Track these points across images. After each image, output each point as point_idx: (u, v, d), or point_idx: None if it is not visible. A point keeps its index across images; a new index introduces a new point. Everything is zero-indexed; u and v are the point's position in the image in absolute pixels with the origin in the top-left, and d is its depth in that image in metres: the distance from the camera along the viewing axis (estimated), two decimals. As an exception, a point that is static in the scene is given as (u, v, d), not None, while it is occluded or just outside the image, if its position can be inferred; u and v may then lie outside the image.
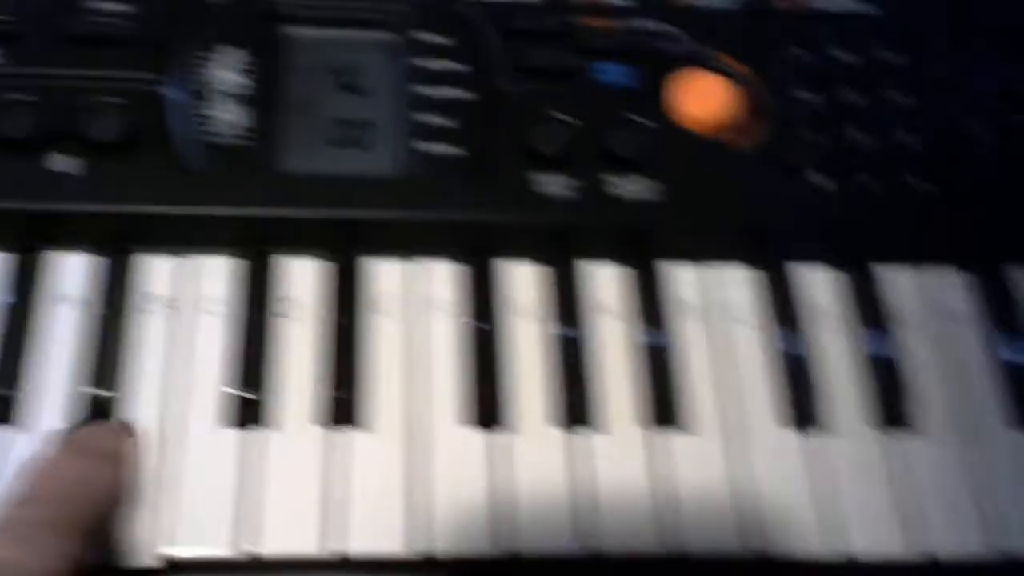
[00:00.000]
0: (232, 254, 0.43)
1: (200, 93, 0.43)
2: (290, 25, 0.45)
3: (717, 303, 0.44)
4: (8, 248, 0.42)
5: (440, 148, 0.43)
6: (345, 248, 0.43)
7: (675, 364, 0.42)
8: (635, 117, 0.44)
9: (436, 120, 0.44)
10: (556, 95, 0.45)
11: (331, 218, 0.42)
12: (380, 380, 0.40)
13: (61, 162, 0.41)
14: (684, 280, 0.44)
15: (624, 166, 0.43)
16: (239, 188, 0.41)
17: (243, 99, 0.43)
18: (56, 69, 0.42)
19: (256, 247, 0.43)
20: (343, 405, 0.40)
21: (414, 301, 0.43)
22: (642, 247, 0.44)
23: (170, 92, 0.43)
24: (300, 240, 0.43)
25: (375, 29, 0.46)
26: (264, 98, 0.43)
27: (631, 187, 0.43)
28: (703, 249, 0.45)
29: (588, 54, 0.46)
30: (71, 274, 0.42)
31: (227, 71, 0.43)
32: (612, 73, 0.45)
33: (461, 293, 0.43)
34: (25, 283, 0.41)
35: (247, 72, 0.44)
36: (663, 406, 0.41)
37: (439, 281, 0.43)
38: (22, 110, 0.41)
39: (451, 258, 0.44)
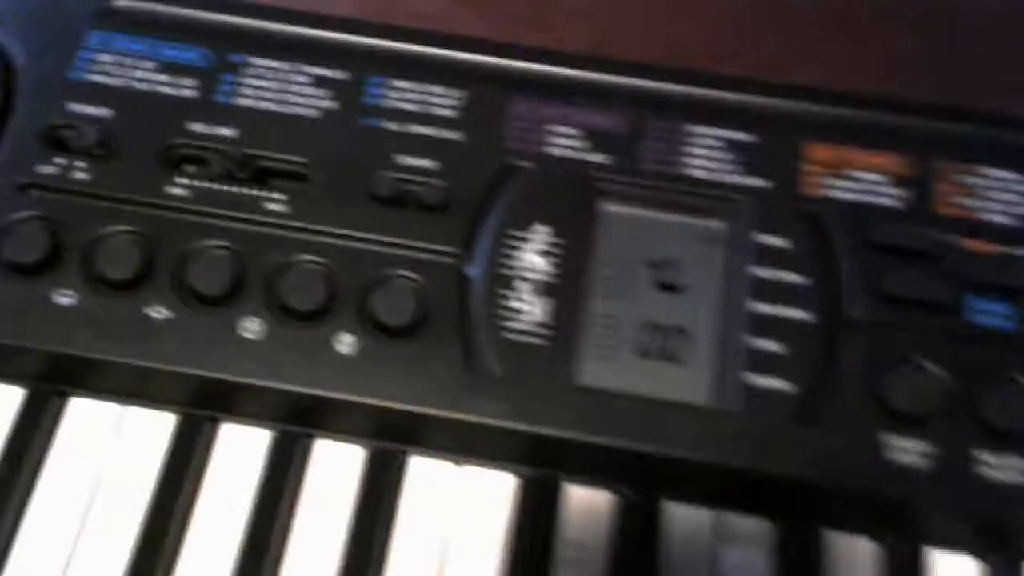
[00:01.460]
0: (514, 471, 0.38)
1: (504, 278, 0.38)
2: (609, 202, 0.40)
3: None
4: (270, 426, 0.38)
5: (767, 380, 0.37)
6: (643, 486, 0.37)
7: None
8: (1019, 376, 0.36)
9: (766, 343, 0.37)
10: (919, 333, 0.37)
11: (626, 448, 0.36)
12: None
13: (341, 340, 0.37)
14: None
15: (1000, 440, 0.35)
16: (526, 398, 0.36)
17: (545, 288, 0.38)
18: (347, 229, 0.39)
19: (540, 469, 0.38)
20: None
21: (714, 561, 0.36)
22: (1006, 542, 0.36)
23: (473, 272, 0.38)
24: (589, 469, 0.37)
25: (707, 217, 0.40)
26: (568, 289, 0.38)
27: (1006, 468, 0.35)
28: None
29: (963, 285, 0.38)
30: (334, 466, 0.38)
31: (534, 253, 0.39)
32: (992, 314, 0.38)
33: (774, 561, 0.36)
34: (285, 465, 0.38)
35: (552, 255, 0.39)
36: None
37: (743, 542, 0.37)
38: (308, 274, 0.38)
39: (766, 517, 0.37)
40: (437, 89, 0.42)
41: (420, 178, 0.40)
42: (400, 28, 0.43)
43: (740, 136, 0.41)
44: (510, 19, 0.54)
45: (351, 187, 0.39)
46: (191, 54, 0.42)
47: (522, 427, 0.36)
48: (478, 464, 0.38)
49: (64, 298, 0.37)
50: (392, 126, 0.41)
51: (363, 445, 0.38)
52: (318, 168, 0.40)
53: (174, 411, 0.38)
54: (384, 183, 0.40)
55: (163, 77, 0.41)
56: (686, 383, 0.37)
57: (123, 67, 0.41)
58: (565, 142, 0.41)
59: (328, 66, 0.42)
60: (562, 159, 0.40)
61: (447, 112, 0.41)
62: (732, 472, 0.36)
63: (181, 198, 0.39)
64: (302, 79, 0.41)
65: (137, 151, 0.40)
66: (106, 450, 0.37)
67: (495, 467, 0.38)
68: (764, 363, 0.37)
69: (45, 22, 0.42)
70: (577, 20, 0.53)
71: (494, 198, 0.40)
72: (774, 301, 0.38)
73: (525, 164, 0.40)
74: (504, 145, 0.41)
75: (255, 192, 0.39)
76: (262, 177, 0.40)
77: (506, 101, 0.41)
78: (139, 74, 0.41)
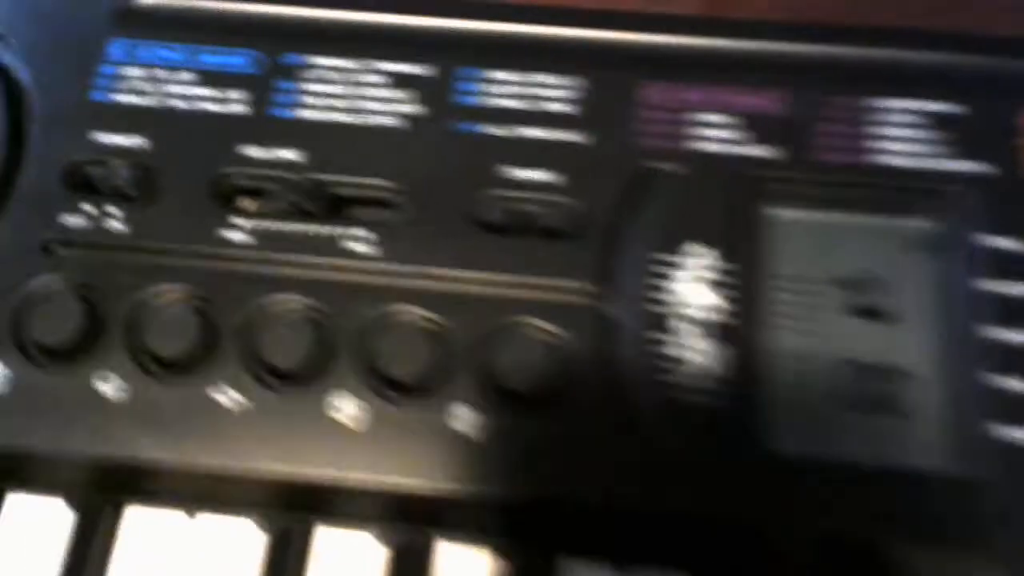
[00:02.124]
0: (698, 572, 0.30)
1: (657, 317, 0.30)
2: (780, 207, 0.31)
3: None
4: (376, 528, 0.30)
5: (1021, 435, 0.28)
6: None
7: None
8: None
9: (1016, 383, 0.29)
10: None
11: (845, 536, 0.28)
12: None
13: (458, 416, 0.29)
14: None
15: None
16: (711, 478, 0.28)
17: (710, 327, 0.30)
18: (449, 268, 0.31)
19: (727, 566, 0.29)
20: None
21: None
22: None
23: (616, 313, 0.30)
24: (800, 564, 0.29)
25: (909, 217, 0.31)
26: (739, 325, 0.30)
27: None
28: None
29: None
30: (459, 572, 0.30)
31: (691, 281, 0.30)
32: None
33: None
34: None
35: (714, 282, 0.30)
36: None
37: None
38: (408, 332, 0.30)
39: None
40: (545, 78, 0.33)
41: (536, 195, 0.31)
42: (490, 4, 0.34)
43: (944, 107, 0.32)
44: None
45: (450, 213, 0.31)
46: (237, 58, 0.34)
47: (716, 512, 0.28)
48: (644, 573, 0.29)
49: (107, 385, 0.30)
50: (493, 130, 0.32)
51: (498, 552, 0.30)
52: (406, 192, 0.32)
53: (257, 516, 0.30)
54: (491, 205, 0.31)
55: (205, 90, 0.33)
56: (912, 442, 0.29)
57: (155, 81, 0.33)
58: (715, 133, 0.32)
59: (406, 59, 0.33)
60: (713, 156, 0.32)
61: (561, 107, 0.33)
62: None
63: (241, 244, 0.31)
64: (375, 79, 0.33)
65: (182, 188, 0.32)
66: (177, 568, 0.30)
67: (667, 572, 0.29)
68: (1014, 411, 0.28)
69: (57, 34, 0.34)
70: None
71: (632, 214, 0.31)
72: (1016, 322, 0.29)
73: (666, 166, 0.32)
74: (638, 144, 0.32)
75: (332, 229, 0.31)
76: (338, 209, 0.32)
77: (634, 87, 0.33)
78: (176, 89, 0.33)
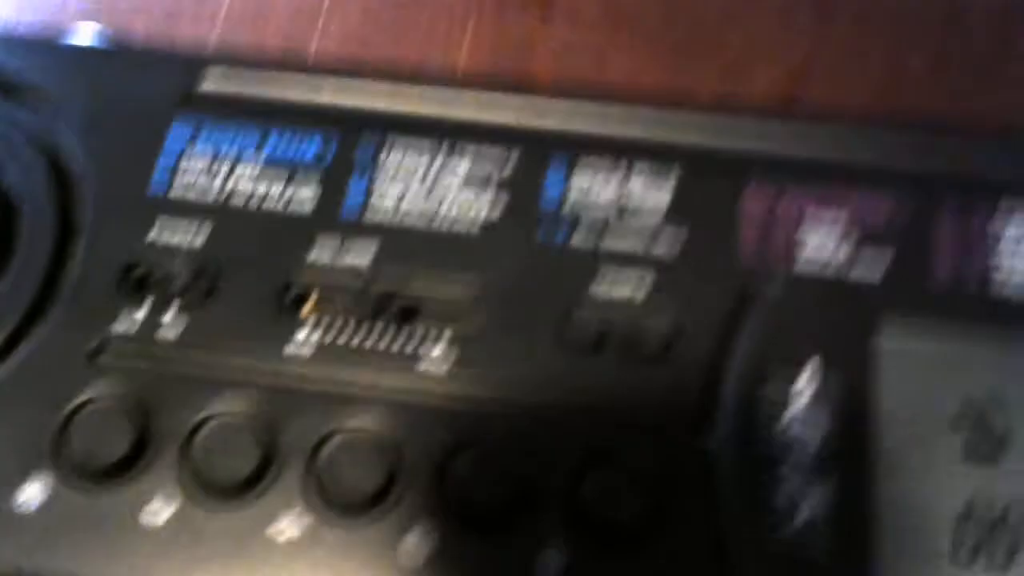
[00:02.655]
0: None
1: (762, 459, 0.27)
2: (897, 334, 0.29)
3: None
4: None
5: None
6: None
7: None
8: None
9: None
10: None
11: None
12: None
13: (549, 561, 0.26)
14: None
15: None
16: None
17: (820, 467, 0.27)
18: (530, 395, 0.28)
19: None
20: None
21: None
22: None
23: (716, 449, 0.27)
24: None
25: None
26: (850, 470, 0.27)
27: None
28: None
29: None
30: None
31: (802, 417, 0.28)
32: None
33: None
34: None
35: (825, 420, 0.28)
36: None
37: None
38: (486, 465, 0.27)
39: None
40: (642, 184, 0.31)
41: (628, 314, 0.29)
42: (589, 96, 0.32)
43: (1081, 230, 0.29)
44: (677, 53, 0.43)
45: (534, 332, 0.29)
46: (307, 150, 0.31)
47: None
48: None
49: (156, 517, 0.27)
50: (583, 240, 0.30)
51: None
52: (486, 306, 0.29)
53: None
54: (579, 324, 0.29)
55: (272, 185, 0.31)
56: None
57: (219, 174, 0.31)
58: (825, 248, 0.30)
59: (491, 157, 0.31)
60: (824, 272, 0.29)
61: (658, 217, 0.30)
62: None
63: (305, 358, 0.29)
64: (456, 178, 0.31)
65: (244, 294, 0.29)
66: None
67: None
68: None
69: (117, 111, 0.32)
70: (760, 59, 0.42)
71: (736, 337, 0.29)
72: None
73: (773, 284, 0.29)
74: (740, 258, 0.30)
75: (403, 346, 0.29)
76: (411, 321, 0.29)
77: (737, 195, 0.30)
78: (240, 182, 0.31)
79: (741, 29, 0.44)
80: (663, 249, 0.30)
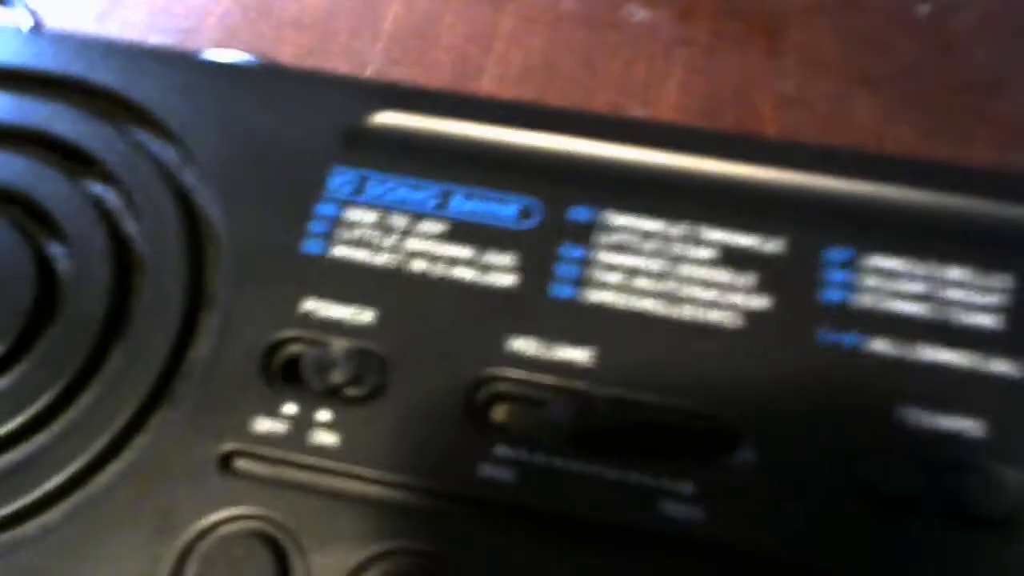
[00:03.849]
0: None
1: None
2: None
3: None
4: None
5: None
6: None
7: None
8: None
9: None
10: None
11: None
12: None
13: None
14: None
15: None
16: None
17: None
18: (818, 557, 0.20)
19: None
20: None
21: None
22: None
23: None
24: None
25: None
26: None
27: None
28: None
29: None
30: None
31: None
32: None
33: None
34: None
35: None
36: None
37: None
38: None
39: None
40: (961, 273, 0.23)
41: (951, 454, 0.21)
42: (887, 158, 0.24)
43: None
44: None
45: (817, 471, 0.21)
46: (506, 207, 0.24)
47: None
48: None
49: None
50: (881, 346, 0.22)
51: None
52: (750, 430, 0.21)
53: None
54: (883, 466, 0.21)
55: (459, 249, 0.24)
56: None
57: (392, 231, 0.24)
58: None
59: (749, 227, 0.24)
60: None
61: (982, 317, 0.22)
62: None
63: (508, 485, 0.21)
64: (702, 252, 0.24)
65: (423, 390, 0.22)
66: None
67: None
68: None
69: (262, 152, 0.26)
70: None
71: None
72: None
73: None
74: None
75: (633, 475, 0.21)
76: (646, 444, 0.22)
77: (1101, 297, 0.22)
78: (419, 244, 0.24)
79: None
80: (995, 364, 0.22)
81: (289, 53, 0.40)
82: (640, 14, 0.40)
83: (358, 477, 0.22)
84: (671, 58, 0.38)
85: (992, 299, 0.22)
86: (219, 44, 0.41)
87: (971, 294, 0.22)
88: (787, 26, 0.38)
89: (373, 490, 0.22)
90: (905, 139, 0.35)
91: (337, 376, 0.22)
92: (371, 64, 0.40)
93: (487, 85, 0.39)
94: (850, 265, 0.23)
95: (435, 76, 0.39)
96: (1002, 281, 0.22)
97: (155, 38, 0.40)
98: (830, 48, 0.38)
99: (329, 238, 0.24)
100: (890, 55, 0.37)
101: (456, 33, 0.40)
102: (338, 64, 0.40)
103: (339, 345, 0.23)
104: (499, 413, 0.23)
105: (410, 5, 0.41)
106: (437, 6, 0.40)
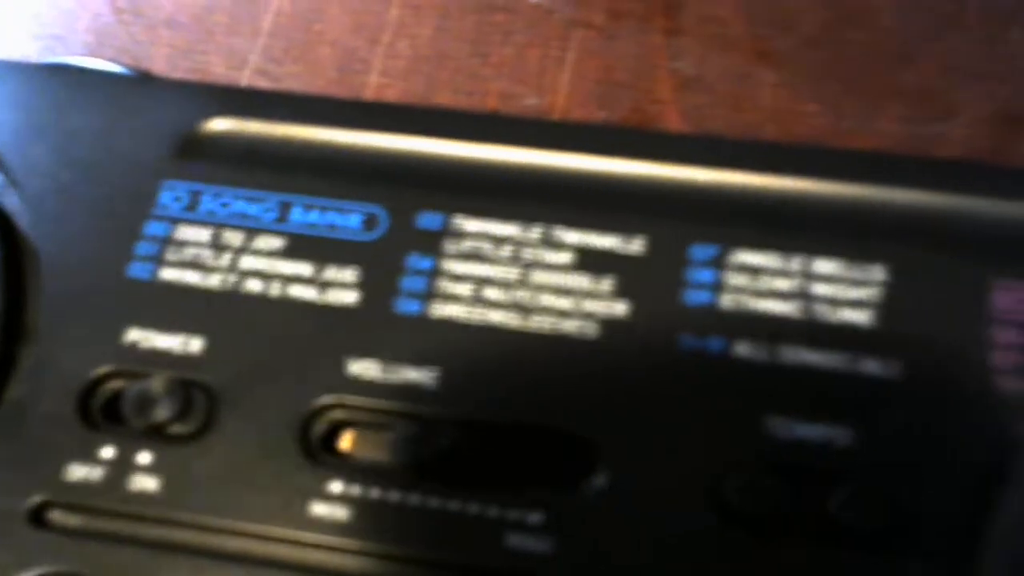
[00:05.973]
0: None
1: None
2: None
3: None
4: None
5: None
6: None
7: None
8: None
9: None
10: None
11: None
12: None
13: None
14: None
15: None
16: None
17: None
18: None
19: None
20: None
21: None
22: None
23: None
24: None
25: None
26: None
27: None
28: None
29: None
30: None
31: None
32: None
33: None
34: None
35: None
36: None
37: None
38: None
39: None
40: (829, 266, 0.21)
41: (822, 465, 0.20)
42: (749, 143, 0.23)
43: None
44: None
45: (681, 489, 0.20)
46: (348, 217, 0.23)
47: None
48: None
49: None
50: (747, 351, 0.21)
51: None
52: (611, 451, 0.20)
53: None
54: (746, 483, 0.20)
55: (298, 266, 0.22)
56: None
57: (225, 249, 0.23)
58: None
59: (606, 226, 0.22)
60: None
61: (857, 314, 0.21)
62: None
63: (342, 524, 0.20)
64: (555, 256, 0.22)
65: (255, 425, 0.21)
66: None
67: None
68: None
69: (85, 166, 0.24)
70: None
71: (991, 511, 0.19)
72: None
73: (1042, 423, 0.19)
74: (989, 382, 0.20)
75: (483, 508, 0.20)
76: (494, 474, 0.21)
77: (983, 288, 0.21)
78: (254, 262, 0.23)
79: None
80: (870, 365, 0.20)
81: (163, 55, 0.39)
82: (534, -4, 0.38)
83: (179, 524, 0.20)
84: (567, 42, 0.37)
85: (863, 293, 0.21)
86: (91, 48, 0.39)
87: (841, 289, 0.21)
88: (687, 2, 0.37)
89: (195, 538, 0.20)
90: (811, 115, 0.34)
91: (160, 413, 0.21)
92: (250, 62, 0.38)
93: (374, 79, 0.38)
94: (715, 263, 0.22)
95: (318, 72, 0.38)
96: (873, 273, 0.21)
97: (29, 46, 0.38)
98: (732, 23, 0.36)
99: (158, 260, 0.23)
100: (795, 28, 0.36)
101: (341, 25, 0.39)
102: (215, 63, 0.38)
103: (164, 379, 0.21)
104: (345, 443, 0.22)
105: (293, -2, 0.39)
106: (321, -2, 0.39)
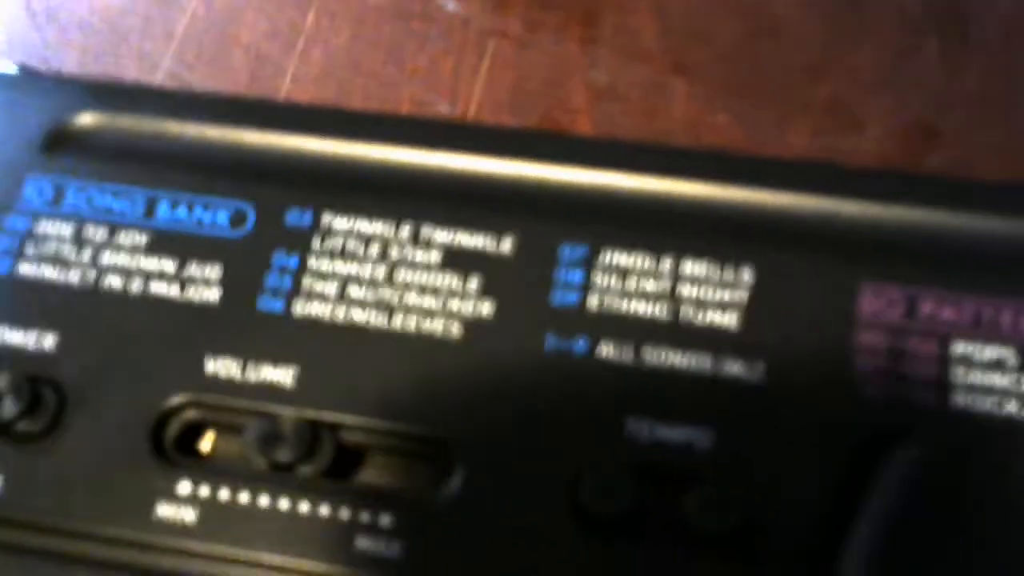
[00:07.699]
0: None
1: None
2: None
3: None
4: None
5: None
6: None
7: None
8: None
9: None
10: None
11: None
12: None
13: None
14: None
15: None
16: None
17: None
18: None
19: None
20: None
21: None
22: None
23: None
24: None
25: None
26: None
27: None
28: None
29: None
30: None
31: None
32: None
33: None
34: None
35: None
36: None
37: None
38: None
39: None
40: (697, 267, 0.21)
41: (681, 466, 0.19)
42: (627, 144, 0.23)
43: None
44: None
45: (540, 492, 0.19)
46: (214, 213, 0.22)
47: None
48: None
49: None
50: (612, 352, 0.20)
51: None
52: (462, 451, 0.20)
53: None
54: (604, 484, 0.19)
55: (160, 262, 0.22)
56: None
57: (86, 245, 0.22)
58: (978, 374, 0.20)
59: (474, 224, 0.22)
60: (974, 405, 0.19)
61: (721, 316, 0.21)
62: None
63: (190, 527, 0.19)
64: (423, 255, 0.22)
65: (106, 423, 0.20)
66: None
67: None
68: None
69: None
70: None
71: (850, 508, 0.19)
72: None
73: (900, 421, 0.19)
74: (852, 384, 0.20)
75: (337, 509, 0.19)
76: (349, 473, 0.20)
77: (849, 291, 0.21)
78: (115, 258, 0.22)
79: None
80: (736, 367, 0.20)
81: (74, 59, 0.38)
82: (452, 5, 0.38)
83: (22, 526, 0.20)
84: (482, 51, 0.37)
85: (729, 295, 0.21)
86: (2, 51, 0.39)
87: (708, 290, 0.21)
88: (604, 13, 0.37)
89: (37, 541, 0.20)
90: (723, 127, 0.34)
91: (5, 410, 0.20)
92: (162, 66, 0.38)
93: (288, 85, 0.37)
94: (585, 263, 0.21)
95: (231, 78, 0.37)
96: (742, 275, 0.21)
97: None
98: (648, 35, 0.36)
99: (17, 255, 0.22)
100: (710, 41, 0.36)
101: (256, 30, 0.38)
102: (128, 67, 0.38)
103: (11, 376, 0.21)
104: (206, 443, 0.21)
105: (210, 2, 0.39)
106: (239, 2, 0.39)
